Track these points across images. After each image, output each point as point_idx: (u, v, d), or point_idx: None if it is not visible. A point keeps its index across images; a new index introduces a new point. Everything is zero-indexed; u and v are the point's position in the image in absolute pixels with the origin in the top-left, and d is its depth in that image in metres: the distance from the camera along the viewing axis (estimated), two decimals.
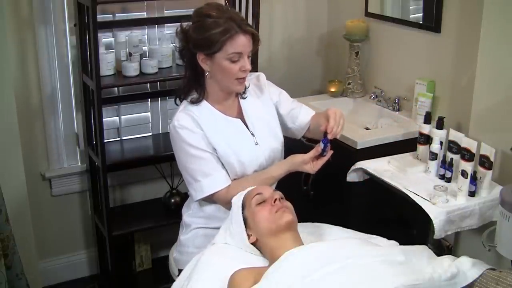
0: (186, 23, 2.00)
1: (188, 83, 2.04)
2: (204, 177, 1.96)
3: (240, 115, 2.06)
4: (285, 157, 2.12)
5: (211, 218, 2.08)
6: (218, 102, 2.03)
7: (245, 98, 2.08)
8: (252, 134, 2.06)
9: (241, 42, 1.89)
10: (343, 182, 2.39)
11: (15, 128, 2.52)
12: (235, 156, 2.00)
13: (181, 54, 2.02)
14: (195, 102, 2.01)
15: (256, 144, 2.05)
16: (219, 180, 1.97)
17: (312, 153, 1.97)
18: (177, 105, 2.08)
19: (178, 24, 2.03)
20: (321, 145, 1.96)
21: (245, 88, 2.07)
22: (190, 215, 2.14)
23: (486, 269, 1.67)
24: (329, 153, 1.97)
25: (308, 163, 1.98)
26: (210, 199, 2.02)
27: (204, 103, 2.02)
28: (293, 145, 2.27)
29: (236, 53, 1.90)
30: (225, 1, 2.88)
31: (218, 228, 2.01)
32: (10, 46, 2.53)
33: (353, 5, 3.05)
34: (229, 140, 2.00)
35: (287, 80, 3.23)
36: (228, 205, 1.95)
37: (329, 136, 1.94)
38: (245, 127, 2.06)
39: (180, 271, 2.08)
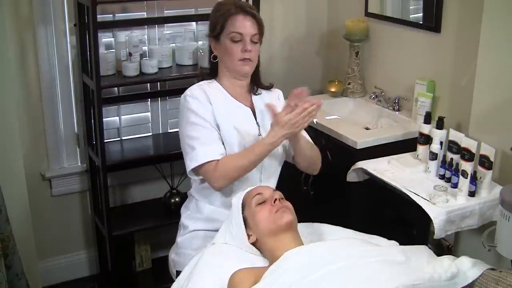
0: None
1: (206, 69, 2.12)
2: (202, 145, 1.95)
3: (251, 106, 2.09)
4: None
5: (209, 220, 2.07)
6: (231, 89, 2.06)
7: (257, 94, 2.11)
8: (258, 125, 2.07)
9: (241, 22, 1.97)
10: (343, 182, 2.39)
11: (15, 128, 2.52)
12: (238, 137, 2.00)
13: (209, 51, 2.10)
14: (206, 77, 2.07)
15: (259, 135, 2.05)
16: (215, 150, 1.95)
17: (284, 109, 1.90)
18: None
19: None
20: None
21: (255, 90, 2.11)
22: (188, 216, 2.13)
23: (486, 269, 1.67)
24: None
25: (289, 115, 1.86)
26: (200, 173, 1.98)
27: (217, 84, 2.06)
28: None
29: (237, 33, 1.96)
30: None
31: (216, 230, 2.01)
32: (10, 46, 2.53)
33: (353, 5, 3.05)
34: (235, 123, 2.01)
35: (287, 80, 3.23)
36: (219, 181, 1.93)
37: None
38: (253, 116, 2.07)
39: (178, 272, 2.08)
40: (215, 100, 2.01)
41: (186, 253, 2.09)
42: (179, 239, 2.15)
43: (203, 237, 2.07)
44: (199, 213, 2.10)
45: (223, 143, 1.99)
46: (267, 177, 2.08)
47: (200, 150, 1.94)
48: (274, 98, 2.15)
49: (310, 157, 2.08)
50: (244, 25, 1.97)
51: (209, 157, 1.93)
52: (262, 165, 2.04)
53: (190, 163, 1.97)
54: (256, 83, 2.12)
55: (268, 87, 2.16)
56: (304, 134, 2.10)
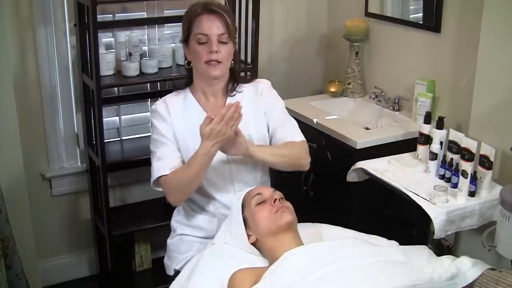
0: None
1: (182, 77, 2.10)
2: (157, 160, 1.93)
3: None
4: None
5: (194, 227, 2.05)
6: (204, 97, 2.02)
7: (232, 96, 2.02)
8: None
9: (206, 23, 1.89)
10: (343, 182, 2.39)
11: (15, 128, 2.52)
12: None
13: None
14: (178, 88, 2.03)
15: None
16: (165, 165, 1.91)
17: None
18: None
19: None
20: None
21: (233, 87, 2.03)
22: (177, 220, 2.11)
23: (486, 269, 1.67)
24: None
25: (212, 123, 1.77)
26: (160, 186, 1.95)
27: (188, 94, 2.02)
28: None
29: (202, 35, 1.89)
30: (225, 1, 2.88)
31: (203, 237, 2.02)
32: (10, 46, 2.53)
33: (353, 5, 3.05)
34: (195, 136, 1.83)
35: (287, 80, 3.23)
36: (171, 196, 1.90)
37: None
38: None
39: (169, 276, 2.08)
40: (175, 111, 1.97)
41: (174, 256, 2.09)
42: (168, 241, 2.14)
43: (189, 242, 2.06)
44: (186, 219, 2.08)
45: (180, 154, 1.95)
46: (241, 186, 2.00)
47: (155, 165, 1.93)
48: (257, 94, 2.05)
49: (281, 164, 1.96)
50: (209, 25, 1.89)
51: (160, 172, 1.91)
52: (230, 174, 1.99)
53: (151, 178, 1.96)
54: (236, 80, 2.05)
55: (247, 78, 2.09)
56: (286, 134, 2.00)
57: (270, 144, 2.04)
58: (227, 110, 1.75)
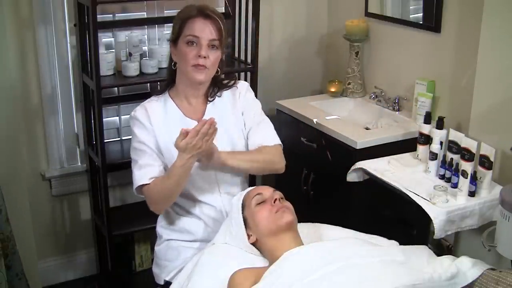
0: None
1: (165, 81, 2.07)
2: (138, 169, 1.93)
3: (199, 120, 1.93)
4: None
5: (183, 231, 2.03)
6: (185, 100, 2.00)
7: (211, 101, 2.02)
8: None
9: (199, 26, 1.88)
10: (343, 182, 2.39)
11: (15, 128, 2.52)
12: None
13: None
14: (158, 93, 2.02)
15: None
16: (146, 174, 1.91)
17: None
18: None
19: None
20: None
21: (213, 92, 2.03)
22: (162, 226, 2.09)
23: (486, 269, 1.67)
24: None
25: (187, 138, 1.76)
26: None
27: (168, 98, 2.00)
28: (292, 144, 2.25)
29: (193, 36, 1.88)
30: (225, 1, 2.88)
31: (191, 241, 2.01)
32: (10, 46, 2.53)
33: (353, 5, 3.05)
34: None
35: (287, 80, 3.23)
36: (152, 205, 1.93)
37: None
38: None
39: (159, 285, 2.07)
40: (156, 118, 1.96)
41: (163, 264, 2.06)
42: (156, 248, 2.12)
43: (177, 248, 2.03)
44: (171, 223, 2.06)
45: (162, 161, 1.95)
46: (227, 187, 2.01)
47: (136, 174, 1.93)
48: (235, 97, 2.05)
49: (254, 170, 2.03)
50: (201, 28, 1.88)
51: (141, 181, 1.91)
52: (216, 177, 1.99)
53: (133, 186, 1.96)
54: (218, 86, 2.04)
55: (228, 83, 2.07)
56: (260, 137, 2.01)
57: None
58: (201, 127, 1.74)
